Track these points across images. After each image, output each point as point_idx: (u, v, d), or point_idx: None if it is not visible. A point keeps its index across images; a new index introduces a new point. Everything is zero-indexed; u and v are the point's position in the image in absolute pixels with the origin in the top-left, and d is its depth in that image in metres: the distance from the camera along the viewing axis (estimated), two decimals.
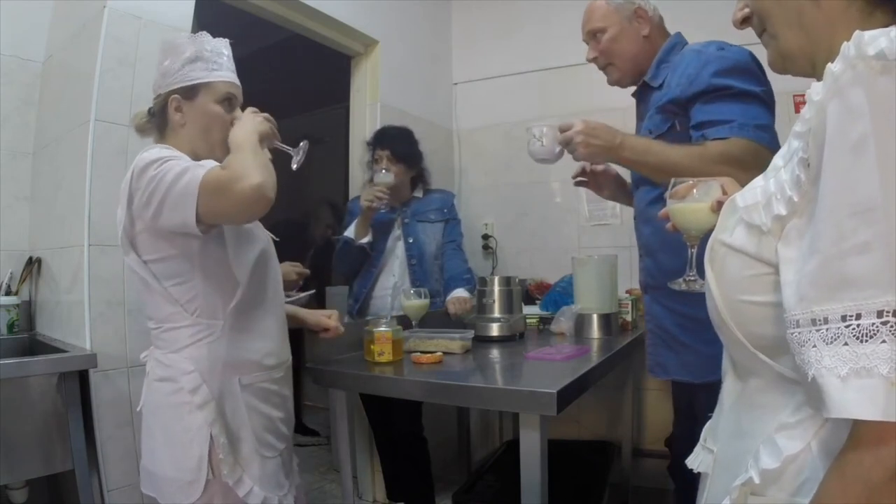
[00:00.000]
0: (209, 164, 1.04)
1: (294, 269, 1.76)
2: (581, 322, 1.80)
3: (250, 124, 1.12)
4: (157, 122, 1.17)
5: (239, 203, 0.98)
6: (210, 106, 1.14)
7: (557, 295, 2.22)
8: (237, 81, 1.18)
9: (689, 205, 0.83)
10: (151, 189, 1.00)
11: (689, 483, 0.76)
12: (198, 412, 1.04)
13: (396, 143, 2.22)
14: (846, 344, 0.46)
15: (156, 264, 1.07)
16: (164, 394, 1.08)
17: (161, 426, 1.09)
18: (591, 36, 1.52)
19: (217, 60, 1.15)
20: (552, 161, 1.40)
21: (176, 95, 1.13)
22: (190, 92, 1.13)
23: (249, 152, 1.05)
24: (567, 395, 1.11)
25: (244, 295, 1.11)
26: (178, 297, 1.08)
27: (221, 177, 0.99)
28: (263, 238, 1.22)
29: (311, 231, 3.79)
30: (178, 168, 1.00)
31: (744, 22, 0.70)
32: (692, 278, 0.90)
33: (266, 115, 1.18)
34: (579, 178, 1.63)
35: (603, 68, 1.55)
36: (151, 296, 1.09)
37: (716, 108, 1.26)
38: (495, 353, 1.59)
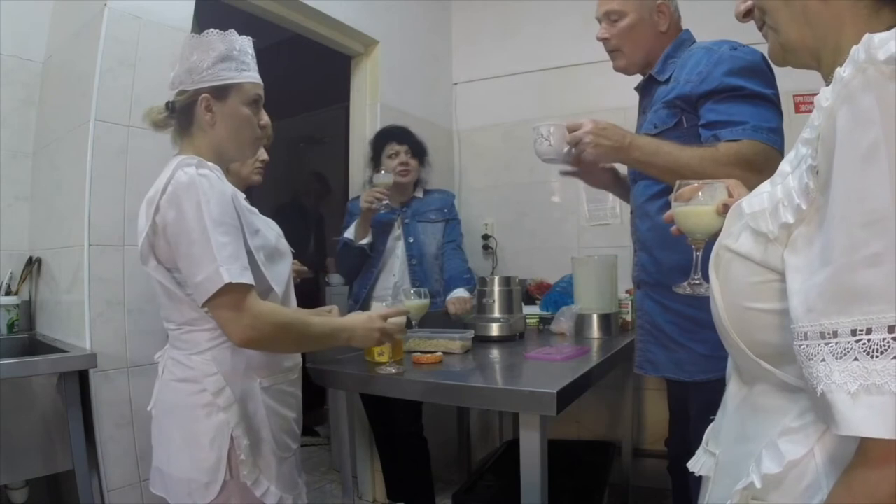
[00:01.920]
0: (241, 257, 1.02)
1: (293, 269, 1.77)
2: (581, 322, 1.80)
3: (363, 335, 1.16)
4: (181, 119, 1.14)
5: (230, 331, 1.02)
6: (240, 108, 1.13)
7: (557, 295, 2.22)
8: (261, 82, 1.18)
9: (694, 208, 0.82)
10: (177, 232, 1.00)
11: (688, 483, 0.75)
12: (221, 414, 1.04)
13: (412, 139, 2.25)
14: (856, 359, 0.44)
15: (180, 272, 1.05)
16: (184, 394, 1.07)
17: (179, 427, 1.08)
18: (607, 16, 1.49)
19: (245, 60, 1.13)
20: (560, 161, 1.38)
21: (206, 95, 1.10)
22: (221, 92, 1.11)
23: (308, 336, 1.11)
24: (567, 395, 1.11)
25: (273, 301, 1.10)
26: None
27: (246, 310, 1.00)
28: (288, 250, 1.22)
29: (304, 204, 3.85)
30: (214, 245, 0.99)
31: (746, 15, 0.69)
32: (697, 282, 0.89)
33: (394, 325, 1.21)
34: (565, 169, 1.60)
35: (610, 52, 1.52)
36: (172, 301, 1.08)
37: (728, 109, 1.25)
38: (495, 353, 1.58)
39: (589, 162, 1.53)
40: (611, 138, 1.28)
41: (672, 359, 1.40)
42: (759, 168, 1.13)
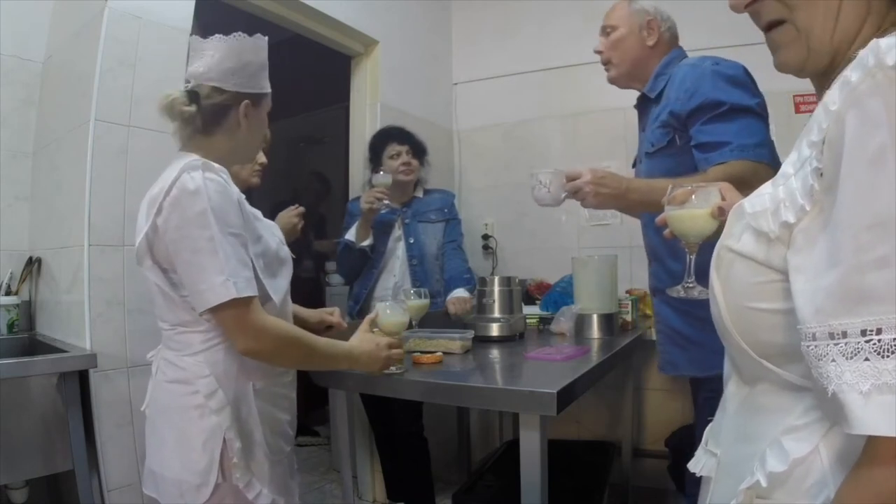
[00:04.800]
0: (247, 267, 1.02)
1: (291, 215, 1.79)
2: (581, 322, 1.79)
3: (367, 362, 1.18)
4: (209, 116, 1.10)
5: (233, 340, 1.02)
6: (265, 116, 1.18)
7: (557, 295, 2.21)
8: None
9: (688, 211, 0.82)
10: (180, 238, 0.99)
11: (699, 479, 0.76)
12: (213, 416, 1.04)
13: (413, 139, 2.26)
14: (867, 359, 0.45)
15: (176, 274, 1.04)
16: (177, 395, 1.07)
17: (171, 427, 1.08)
18: (603, 30, 1.59)
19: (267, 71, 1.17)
20: (556, 205, 1.42)
21: (248, 101, 1.11)
22: (259, 100, 1.13)
23: (312, 357, 1.12)
24: (567, 395, 1.11)
25: (270, 311, 1.09)
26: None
27: (251, 324, 1.00)
28: (289, 257, 1.22)
29: (305, 204, 3.88)
30: (220, 256, 0.98)
31: (749, 6, 0.62)
32: (690, 285, 0.90)
33: (398, 352, 1.24)
34: None
35: (604, 63, 1.61)
36: (166, 301, 1.07)
37: (714, 129, 1.31)
38: (495, 353, 1.58)
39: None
40: (609, 186, 1.32)
41: (688, 357, 1.48)
42: (748, 184, 1.16)
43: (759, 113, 1.33)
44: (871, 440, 0.46)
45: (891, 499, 0.45)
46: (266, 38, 1.13)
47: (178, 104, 1.08)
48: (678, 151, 1.40)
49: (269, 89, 1.15)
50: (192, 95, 1.09)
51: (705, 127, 1.33)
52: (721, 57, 1.38)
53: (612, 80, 1.62)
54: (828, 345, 0.47)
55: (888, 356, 0.44)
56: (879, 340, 0.44)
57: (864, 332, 0.45)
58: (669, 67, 1.50)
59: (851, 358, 0.46)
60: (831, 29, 0.56)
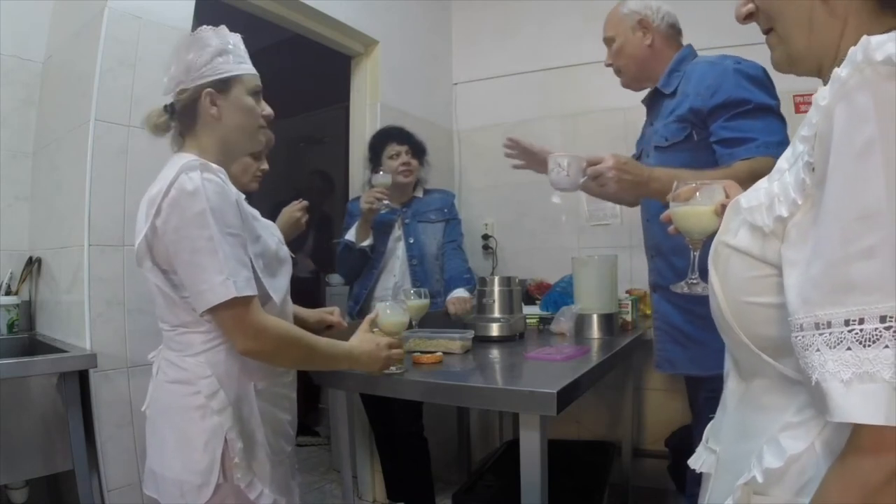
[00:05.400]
0: (246, 267, 1.01)
1: (294, 211, 1.79)
2: (581, 322, 1.79)
3: (367, 362, 1.18)
4: (184, 118, 1.13)
5: (233, 340, 1.02)
6: (245, 99, 1.13)
7: (557, 295, 2.21)
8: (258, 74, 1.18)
9: (692, 208, 0.83)
10: (179, 239, 0.99)
11: (699, 478, 0.76)
12: (215, 416, 1.03)
13: (412, 139, 2.26)
14: (849, 348, 0.46)
15: (176, 275, 1.04)
16: (178, 396, 1.07)
17: (172, 428, 1.08)
18: (606, 43, 1.62)
19: (240, 54, 1.14)
20: (572, 190, 1.40)
21: (209, 89, 1.09)
22: (223, 85, 1.10)
23: (312, 357, 1.12)
24: (567, 395, 1.11)
25: (270, 311, 1.09)
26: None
27: (250, 324, 1.00)
28: (288, 257, 1.21)
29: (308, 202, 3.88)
30: (219, 257, 0.97)
31: (747, 17, 0.69)
32: (694, 281, 0.91)
33: (398, 352, 1.24)
34: (509, 152, 1.68)
35: (616, 73, 1.64)
36: (167, 302, 1.07)
37: (740, 125, 1.32)
38: (495, 353, 1.58)
39: (536, 151, 1.67)
40: (632, 173, 1.30)
41: (688, 356, 1.47)
42: None
43: (779, 114, 1.34)
44: (855, 429, 0.47)
45: (875, 489, 0.46)
46: (223, 25, 1.13)
47: (153, 117, 1.14)
48: (694, 147, 1.41)
49: (238, 71, 1.12)
50: (168, 106, 1.13)
51: (729, 123, 1.33)
52: (741, 56, 1.39)
53: (626, 86, 1.65)
54: (813, 335, 0.48)
55: (870, 345, 0.45)
56: (861, 330, 0.45)
57: (847, 322, 0.46)
58: (683, 64, 1.51)
59: (834, 347, 0.47)
60: (806, 38, 0.61)
